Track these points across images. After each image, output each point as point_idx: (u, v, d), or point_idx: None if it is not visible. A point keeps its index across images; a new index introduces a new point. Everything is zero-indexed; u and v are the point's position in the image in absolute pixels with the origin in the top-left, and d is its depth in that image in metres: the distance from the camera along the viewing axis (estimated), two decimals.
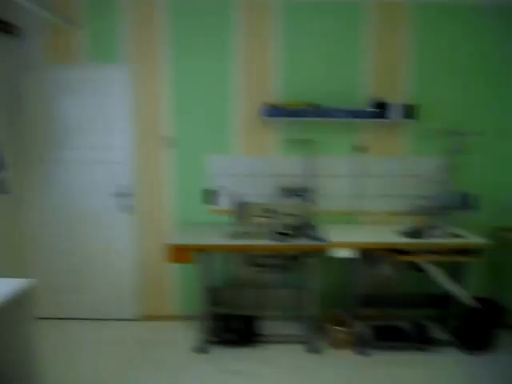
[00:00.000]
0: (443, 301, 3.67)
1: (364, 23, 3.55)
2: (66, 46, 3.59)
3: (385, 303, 3.76)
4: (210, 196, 3.42)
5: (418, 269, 3.33)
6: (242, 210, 3.29)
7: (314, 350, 3.37)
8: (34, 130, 3.69)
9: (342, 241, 3.20)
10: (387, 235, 3.36)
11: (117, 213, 3.77)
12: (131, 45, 3.57)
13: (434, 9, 3.53)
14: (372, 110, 3.44)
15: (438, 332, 3.66)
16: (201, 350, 3.37)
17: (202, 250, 3.22)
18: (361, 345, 3.41)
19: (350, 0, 3.50)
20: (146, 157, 3.72)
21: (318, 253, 3.24)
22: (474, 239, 3.28)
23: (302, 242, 3.16)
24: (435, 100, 3.62)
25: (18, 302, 2.29)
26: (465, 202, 3.35)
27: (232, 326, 3.53)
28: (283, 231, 3.25)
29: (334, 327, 3.44)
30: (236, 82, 3.61)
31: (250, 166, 3.70)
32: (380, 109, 3.43)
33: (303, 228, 3.29)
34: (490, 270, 3.86)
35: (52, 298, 3.89)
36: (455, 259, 3.29)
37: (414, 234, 3.33)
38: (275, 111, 3.43)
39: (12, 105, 3.63)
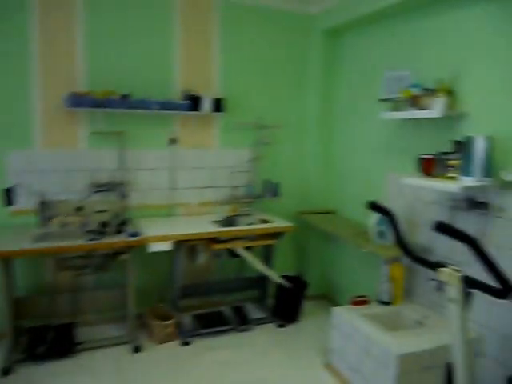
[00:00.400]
0: (260, 283, 3.94)
1: (175, 17, 3.56)
2: None
3: (206, 292, 3.87)
4: (7, 196, 3.02)
5: (235, 255, 3.51)
6: (47, 209, 2.99)
7: (137, 348, 3.28)
8: None
9: (158, 234, 3.17)
10: (203, 225, 3.45)
11: None
12: None
13: (241, 9, 3.74)
14: (183, 102, 3.48)
15: (256, 312, 3.92)
16: (6, 371, 2.96)
17: (2, 257, 2.84)
18: (183, 336, 3.45)
19: None
20: None
21: (135, 249, 3.15)
22: (280, 223, 3.59)
23: (117, 239, 3.03)
24: (243, 95, 3.85)
25: None
26: (271, 190, 3.66)
27: (45, 338, 3.21)
28: (96, 229, 3.06)
29: (157, 322, 3.39)
30: (36, 66, 3.25)
31: (56, 161, 3.38)
32: (192, 101, 3.49)
33: (117, 224, 3.15)
34: (296, 250, 4.29)
35: None
36: (265, 243, 3.57)
37: (228, 222, 3.49)
38: (82, 101, 3.20)
39: None
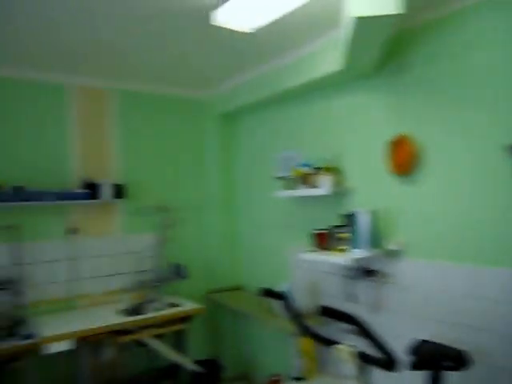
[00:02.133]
0: (173, 372, 3.74)
1: (70, 105, 3.56)
2: None
3: None
4: None
5: (144, 344, 3.33)
6: None
7: None
8: None
9: (56, 333, 2.92)
10: (107, 317, 3.26)
11: None
12: None
13: (137, 96, 3.86)
14: (81, 191, 3.40)
15: None
16: None
17: None
18: None
19: (55, 82, 3.49)
20: None
21: (31, 353, 2.87)
22: (189, 306, 3.51)
23: (7, 345, 2.75)
24: (143, 179, 3.88)
25: None
26: (178, 272, 3.61)
27: None
28: None
29: None
30: None
31: None
32: (90, 189, 3.43)
33: (9, 327, 2.88)
34: (209, 331, 4.20)
35: None
36: (175, 328, 3.45)
37: (134, 310, 3.34)
38: None
39: None
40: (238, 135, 4.22)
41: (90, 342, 3.14)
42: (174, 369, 3.69)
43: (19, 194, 3.16)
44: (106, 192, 3.46)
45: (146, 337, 3.27)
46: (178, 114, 4.12)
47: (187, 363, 3.46)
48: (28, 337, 2.84)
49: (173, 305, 3.51)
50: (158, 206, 3.77)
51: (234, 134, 4.24)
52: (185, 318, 3.47)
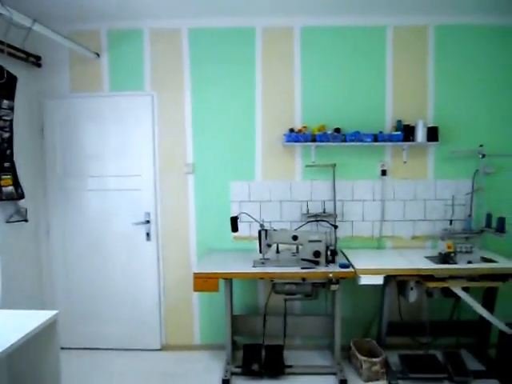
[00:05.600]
0: (479, 328, 3.51)
1: (387, 47, 3.56)
2: (90, 75, 3.67)
3: (415, 331, 3.62)
4: (232, 223, 3.38)
5: (449, 295, 3.20)
6: (266, 236, 3.23)
7: (343, 382, 3.22)
8: (53, 157, 3.75)
9: (370, 267, 3.11)
10: (415, 261, 3.25)
11: (140, 240, 3.76)
12: (154, 74, 3.65)
13: (458, 29, 3.53)
14: (396, 133, 3.40)
15: (473, 362, 3.48)
16: (225, 382, 3.25)
17: (228, 278, 3.20)
18: (392, 376, 3.26)
19: (377, 25, 3.54)
20: (168, 184, 3.73)
21: (344, 280, 3.15)
22: (506, 264, 3.15)
23: (329, 269, 3.08)
24: (461, 122, 3.58)
25: (43, 333, 2.26)
26: (494, 226, 3.25)
27: (258, 356, 3.42)
28: (309, 258, 3.17)
29: (364, 357, 3.30)
30: (258, 109, 3.63)
31: (273, 192, 3.68)
32: (405, 132, 3.40)
33: (329, 255, 3.21)
34: None
35: (74, 327, 3.84)
36: (488, 285, 3.17)
37: (443, 259, 3.21)
38: (297, 137, 3.42)
39: (32, 132, 3.68)
40: None
41: (396, 281, 3.22)
42: (481, 326, 3.45)
43: (339, 136, 3.41)
44: (420, 134, 3.36)
45: (454, 287, 3.13)
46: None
47: (498, 323, 3.16)
48: (344, 266, 3.10)
49: (486, 260, 3.22)
50: (473, 151, 3.43)
51: None
52: (498, 277, 3.13)
